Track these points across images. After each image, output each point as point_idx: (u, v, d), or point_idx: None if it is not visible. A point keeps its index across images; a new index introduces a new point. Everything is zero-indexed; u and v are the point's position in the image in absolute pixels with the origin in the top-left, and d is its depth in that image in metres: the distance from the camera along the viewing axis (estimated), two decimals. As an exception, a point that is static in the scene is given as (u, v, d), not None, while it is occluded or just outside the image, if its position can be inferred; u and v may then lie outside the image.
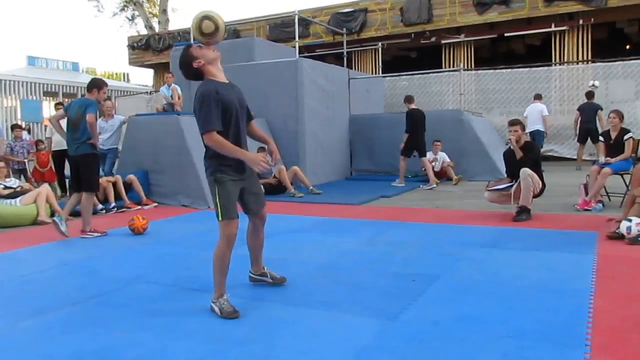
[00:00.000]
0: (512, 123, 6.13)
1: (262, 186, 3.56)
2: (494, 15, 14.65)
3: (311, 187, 8.81)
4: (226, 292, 3.14)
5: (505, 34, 15.09)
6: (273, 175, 8.82)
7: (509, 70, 13.59)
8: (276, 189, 8.62)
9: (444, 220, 6.09)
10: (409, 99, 9.84)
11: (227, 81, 3.21)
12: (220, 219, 3.09)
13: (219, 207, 3.08)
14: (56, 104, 11.19)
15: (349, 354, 2.53)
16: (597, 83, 11.17)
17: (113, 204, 7.62)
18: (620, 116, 6.71)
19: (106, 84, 6.14)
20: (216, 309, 3.07)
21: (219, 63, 3.20)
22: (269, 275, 3.65)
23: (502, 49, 16.55)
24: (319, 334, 2.78)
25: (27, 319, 3.14)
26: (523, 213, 5.86)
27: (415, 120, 9.54)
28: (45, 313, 3.24)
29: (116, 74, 39.09)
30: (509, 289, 3.45)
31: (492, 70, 13.96)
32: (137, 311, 3.21)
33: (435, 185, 9.35)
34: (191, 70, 3.14)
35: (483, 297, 3.30)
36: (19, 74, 21.83)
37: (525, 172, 5.82)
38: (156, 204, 7.92)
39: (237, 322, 2.98)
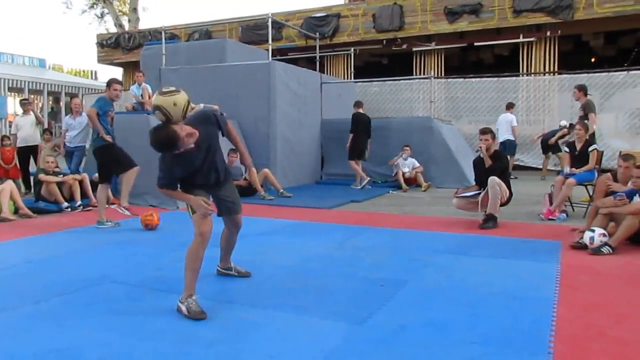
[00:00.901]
0: (483, 132, 6.25)
1: (237, 194, 3.62)
2: (464, 24, 14.92)
3: (281, 190, 8.80)
4: (195, 292, 3.13)
5: (475, 44, 15.39)
6: (243, 177, 8.79)
7: (478, 79, 13.87)
8: (246, 191, 8.58)
9: (413, 226, 6.17)
10: (357, 104, 10.38)
11: (194, 142, 3.08)
12: (191, 213, 3.18)
13: (189, 206, 3.20)
14: (21, 100, 10.91)
15: (317, 357, 2.54)
16: (564, 123, 11.22)
17: (79, 202, 7.51)
18: (586, 128, 6.91)
19: (117, 82, 6.47)
20: (183, 309, 3.06)
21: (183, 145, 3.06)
22: (234, 270, 3.88)
23: (472, 58, 16.88)
24: (287, 337, 2.79)
25: (-13, 319, 3.06)
26: (490, 221, 5.98)
27: (360, 124, 10.02)
28: (7, 310, 3.17)
29: (84, 71, 38.31)
30: (475, 295, 3.51)
31: (461, 79, 14.22)
32: (103, 310, 3.16)
33: (363, 184, 9.86)
34: (169, 150, 3.03)
35: (450, 303, 3.35)
36: (-17, 68, 21.21)
37: (494, 180, 5.94)
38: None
39: (204, 324, 2.97)
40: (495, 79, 13.67)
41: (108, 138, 6.21)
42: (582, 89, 8.43)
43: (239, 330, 2.89)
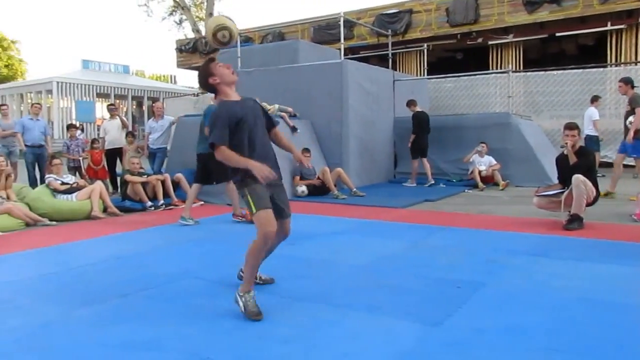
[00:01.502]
0: (570, 127, 5.91)
1: (287, 200, 3.45)
2: (544, 14, 14.28)
3: (354, 189, 8.80)
4: (254, 289, 3.15)
5: (557, 34, 14.68)
6: (317, 176, 8.86)
7: (560, 71, 13.22)
8: (319, 190, 8.66)
9: (490, 226, 5.98)
10: (412, 103, 10.26)
11: (239, 98, 3.32)
12: (254, 210, 3.07)
13: (250, 202, 3.10)
14: (108, 105, 11.57)
15: (391, 357, 2.52)
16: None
17: (161, 202, 7.83)
18: None
19: None
20: (240, 304, 3.09)
21: (234, 85, 3.34)
22: (258, 278, 3.65)
23: (553, 50, 16.11)
24: (360, 336, 2.78)
25: (80, 308, 3.28)
26: (575, 221, 5.66)
27: (421, 122, 10.03)
28: (97, 303, 3.37)
29: (164, 76, 40.10)
30: (558, 300, 3.35)
31: (542, 72, 13.60)
32: (184, 305, 3.29)
33: (414, 185, 10.07)
34: (207, 85, 3.32)
35: (530, 307, 3.22)
36: (74, 76, 22.69)
37: (578, 178, 5.62)
38: (202, 202, 8.08)
39: (278, 321, 3.01)
40: (580, 70, 12.96)
41: None
42: (629, 82, 8.02)
43: (313, 328, 2.91)
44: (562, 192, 5.87)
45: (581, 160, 5.77)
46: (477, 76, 14.14)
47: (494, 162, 10.06)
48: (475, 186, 9.62)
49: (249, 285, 3.14)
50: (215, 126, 3.12)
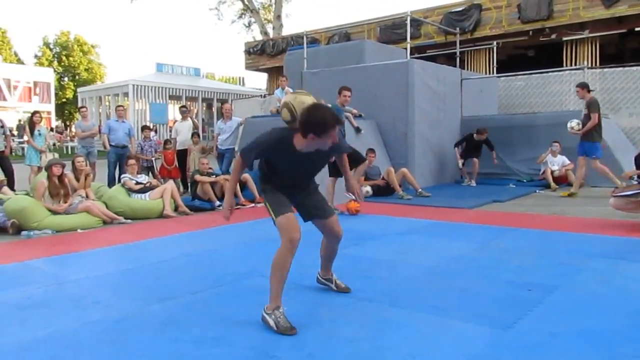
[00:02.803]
0: None
1: (322, 199, 3.38)
2: (623, 8, 13.54)
3: (420, 190, 8.69)
4: (282, 305, 2.95)
5: (636, 29, 13.87)
6: (381, 177, 8.82)
7: (640, 67, 12.48)
8: (384, 191, 8.61)
9: (563, 228, 5.74)
10: (480, 131, 10.11)
11: (303, 151, 2.95)
12: (275, 217, 3.02)
13: (270, 210, 3.07)
14: (180, 107, 11.98)
15: (459, 360, 2.47)
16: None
17: (229, 201, 8.00)
18: None
19: (346, 89, 7.20)
20: (271, 322, 2.89)
21: (310, 144, 2.91)
22: (334, 283, 3.59)
23: (632, 45, 15.22)
24: (428, 338, 2.75)
25: (155, 304, 3.42)
26: (655, 223, 5.37)
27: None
28: (170, 299, 3.51)
29: (232, 78, 41.13)
30: (638, 305, 3.18)
31: (619, 68, 12.89)
32: (252, 303, 3.35)
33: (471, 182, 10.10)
34: (300, 124, 2.88)
35: (607, 311, 3.07)
36: (149, 79, 23.69)
37: (659, 178, 5.33)
38: (253, 205, 8.15)
39: (345, 321, 3.03)
40: (663, 66, 12.20)
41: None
42: (585, 87, 8.10)
43: (379, 328, 2.91)
44: (643, 193, 5.56)
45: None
46: (550, 73, 13.58)
47: (567, 161, 9.65)
48: (547, 186, 9.26)
49: (276, 301, 2.95)
50: (253, 144, 3.03)
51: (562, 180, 9.53)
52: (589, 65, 13.48)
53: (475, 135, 10.04)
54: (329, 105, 9.29)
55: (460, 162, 10.30)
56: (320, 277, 3.67)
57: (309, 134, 2.82)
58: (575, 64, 14.12)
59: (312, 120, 2.81)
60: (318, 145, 2.90)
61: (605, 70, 13.21)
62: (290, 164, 3.06)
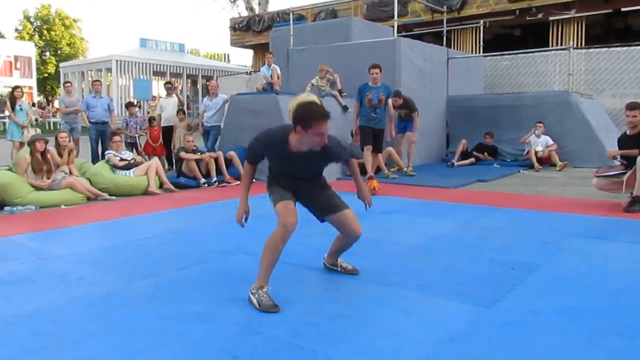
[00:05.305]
0: (631, 107, 5.68)
1: (333, 194, 3.35)
2: (609, -12, 13.56)
3: (404, 169, 8.72)
4: (268, 284, 2.97)
5: (622, 9, 13.91)
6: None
7: (626, 48, 12.53)
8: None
9: (546, 208, 5.82)
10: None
11: (297, 151, 3.00)
12: (274, 205, 3.12)
13: (271, 199, 3.18)
14: (165, 83, 11.82)
15: (442, 337, 2.51)
16: None
17: (215, 179, 7.99)
18: None
19: (375, 67, 7.70)
20: (254, 301, 2.91)
21: (301, 141, 2.94)
22: (340, 267, 3.55)
23: (617, 25, 15.30)
24: (411, 315, 2.79)
25: (139, 280, 3.41)
26: (636, 203, 5.44)
27: None
28: (155, 276, 3.50)
29: (217, 54, 40.59)
30: (618, 283, 3.24)
31: (604, 49, 12.94)
32: (238, 280, 3.37)
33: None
34: (292, 120, 2.92)
35: (588, 289, 3.13)
36: (133, 55, 23.30)
37: (642, 159, 5.39)
38: (253, 180, 8.17)
39: (330, 298, 3.06)
40: (646, 47, 12.27)
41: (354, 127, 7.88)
42: (397, 95, 8.62)
43: (364, 305, 2.94)
44: (624, 173, 5.64)
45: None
46: (536, 53, 13.61)
47: (551, 142, 9.74)
48: (531, 167, 9.35)
49: (262, 281, 2.97)
50: (251, 143, 3.19)
51: (545, 161, 9.62)
52: (575, 45, 13.52)
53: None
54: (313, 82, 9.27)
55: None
56: (326, 263, 3.62)
57: (297, 127, 2.88)
58: (561, 44, 14.17)
59: (299, 111, 2.88)
60: (309, 144, 2.92)
61: (591, 50, 13.26)
62: (284, 163, 3.15)
